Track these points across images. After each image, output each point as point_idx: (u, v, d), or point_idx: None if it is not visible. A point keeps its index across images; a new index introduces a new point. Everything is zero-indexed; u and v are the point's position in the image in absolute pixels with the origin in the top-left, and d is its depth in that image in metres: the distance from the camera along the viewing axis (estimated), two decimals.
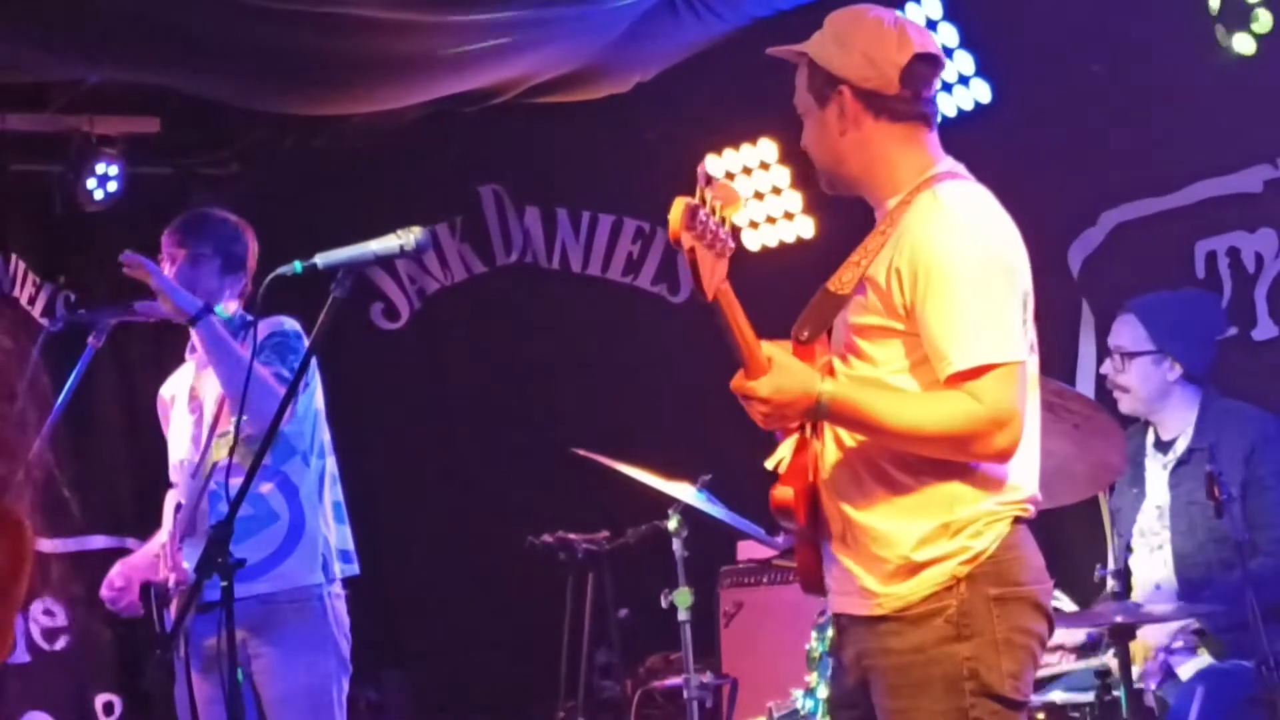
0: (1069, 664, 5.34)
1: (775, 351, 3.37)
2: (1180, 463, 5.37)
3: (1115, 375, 5.48)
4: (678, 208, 3.15)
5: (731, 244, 3.24)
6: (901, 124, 3.54)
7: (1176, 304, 5.64)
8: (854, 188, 3.60)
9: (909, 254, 3.38)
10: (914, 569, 3.40)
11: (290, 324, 5.17)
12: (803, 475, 3.50)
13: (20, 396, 1.85)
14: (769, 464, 3.52)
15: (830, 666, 4.50)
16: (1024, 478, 3.47)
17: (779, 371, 3.34)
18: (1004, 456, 3.37)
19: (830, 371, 3.48)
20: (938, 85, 3.65)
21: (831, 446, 3.49)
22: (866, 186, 3.58)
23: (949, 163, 3.59)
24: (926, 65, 3.56)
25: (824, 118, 3.55)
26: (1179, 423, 5.43)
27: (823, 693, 4.99)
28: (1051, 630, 3.53)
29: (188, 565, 5.01)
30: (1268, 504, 5.19)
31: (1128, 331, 5.47)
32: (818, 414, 3.39)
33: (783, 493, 3.49)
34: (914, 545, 3.39)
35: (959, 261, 3.36)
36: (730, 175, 7.42)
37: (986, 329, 3.33)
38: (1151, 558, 5.39)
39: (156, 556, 5.25)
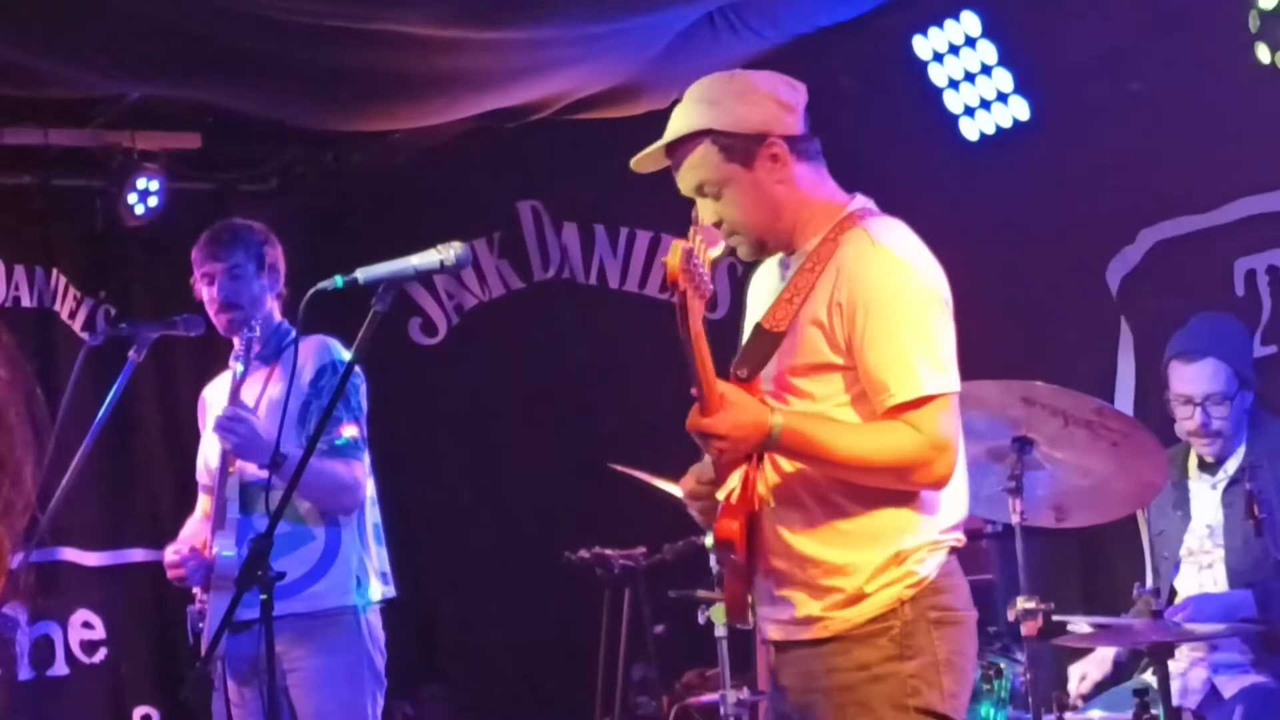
0: None
1: (728, 388, 3.45)
2: (1233, 481, 5.33)
3: (1211, 423, 5.31)
4: (676, 252, 3.24)
5: (712, 286, 3.36)
6: (812, 162, 3.66)
7: (1233, 331, 5.54)
8: (782, 240, 3.66)
9: (849, 290, 3.47)
10: (864, 597, 3.51)
11: (339, 351, 5.18)
12: (745, 507, 3.56)
13: (16, 426, 1.87)
14: (719, 495, 3.55)
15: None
16: (960, 508, 3.59)
17: (733, 408, 3.41)
18: (940, 484, 3.49)
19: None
20: None
21: (776, 479, 3.56)
22: (797, 232, 3.63)
23: (861, 199, 3.68)
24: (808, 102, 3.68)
25: (755, 178, 3.60)
26: (1229, 444, 5.39)
27: None
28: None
29: (216, 550, 5.01)
30: None
31: (1210, 376, 5.31)
32: (769, 446, 3.46)
33: (728, 526, 3.53)
34: (869, 577, 3.50)
35: (900, 297, 3.47)
36: None
37: (927, 362, 3.45)
38: (1200, 576, 5.36)
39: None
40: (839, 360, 3.50)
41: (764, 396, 3.55)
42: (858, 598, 3.50)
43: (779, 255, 3.66)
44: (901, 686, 3.47)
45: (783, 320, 3.54)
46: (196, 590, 5.19)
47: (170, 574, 5.21)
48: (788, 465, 3.54)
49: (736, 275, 7.96)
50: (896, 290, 3.47)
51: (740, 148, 3.59)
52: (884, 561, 3.49)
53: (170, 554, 5.21)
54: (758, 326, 3.58)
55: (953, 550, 3.56)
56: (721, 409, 3.39)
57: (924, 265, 3.54)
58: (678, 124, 3.65)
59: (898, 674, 3.47)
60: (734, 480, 3.54)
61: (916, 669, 3.47)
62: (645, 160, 3.72)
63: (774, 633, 3.64)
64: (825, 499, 3.52)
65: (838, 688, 3.51)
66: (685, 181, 3.66)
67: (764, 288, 3.74)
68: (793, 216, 3.61)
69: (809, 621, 3.54)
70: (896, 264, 3.49)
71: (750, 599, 3.66)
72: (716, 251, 3.41)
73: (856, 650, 3.49)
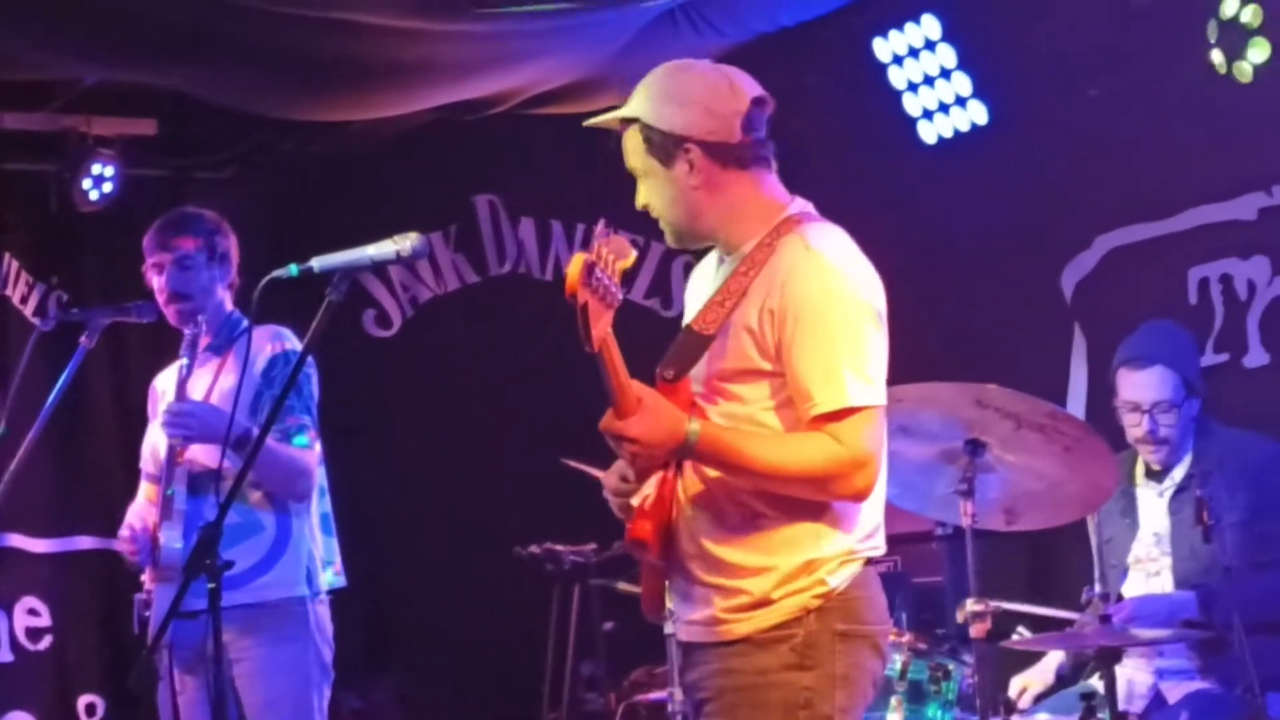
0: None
1: (645, 392, 3.44)
2: (1180, 489, 5.35)
3: (1159, 430, 5.32)
4: (576, 264, 3.22)
5: (620, 296, 3.33)
6: (749, 170, 3.59)
7: (1181, 339, 5.54)
8: (706, 238, 3.65)
9: (780, 296, 3.44)
10: (770, 603, 3.49)
11: (292, 342, 5.16)
12: (661, 511, 3.55)
13: None
14: (634, 501, 3.55)
15: None
16: (876, 516, 3.57)
17: (648, 412, 3.41)
18: (860, 497, 3.47)
19: (694, 410, 3.52)
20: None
21: (696, 484, 3.55)
22: (723, 235, 3.62)
23: (800, 203, 3.64)
24: (761, 109, 3.59)
25: (673, 176, 3.58)
26: (1175, 452, 5.41)
27: None
28: (884, 669, 3.65)
29: (164, 541, 4.97)
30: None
31: (1158, 383, 5.31)
32: (685, 453, 3.45)
33: (641, 527, 3.54)
34: (778, 582, 3.48)
35: (831, 306, 3.43)
36: None
37: (853, 373, 3.41)
38: (1148, 584, 5.37)
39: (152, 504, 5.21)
40: (767, 366, 3.47)
41: (695, 398, 3.54)
42: (763, 603, 3.48)
43: (717, 253, 3.65)
44: (795, 697, 3.46)
45: (712, 323, 3.51)
46: (144, 579, 5.16)
47: (123, 548, 5.17)
48: (709, 471, 3.53)
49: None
50: (828, 299, 3.42)
51: (659, 144, 3.58)
52: (795, 569, 3.47)
53: (123, 529, 5.18)
54: (687, 328, 3.57)
55: (869, 561, 3.54)
56: (636, 413, 3.40)
57: (859, 275, 3.49)
58: (626, 104, 3.66)
59: (793, 684, 3.46)
60: (649, 487, 3.54)
61: (812, 681, 3.46)
62: (605, 121, 3.71)
63: (683, 633, 3.65)
64: (743, 504, 3.50)
65: (733, 688, 3.51)
66: (626, 160, 3.68)
67: (700, 287, 3.73)
68: (715, 221, 3.59)
69: (713, 623, 3.53)
70: (830, 271, 3.44)
71: (666, 598, 3.66)
72: (626, 263, 3.36)
73: (757, 655, 3.48)
